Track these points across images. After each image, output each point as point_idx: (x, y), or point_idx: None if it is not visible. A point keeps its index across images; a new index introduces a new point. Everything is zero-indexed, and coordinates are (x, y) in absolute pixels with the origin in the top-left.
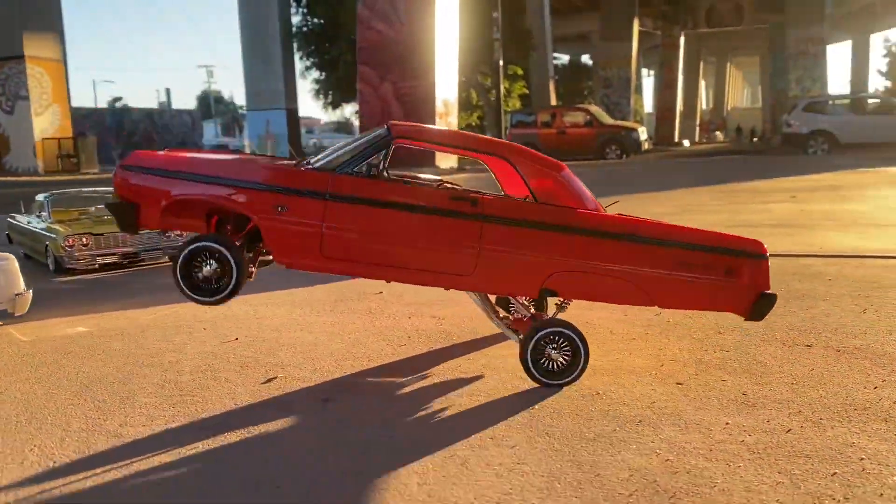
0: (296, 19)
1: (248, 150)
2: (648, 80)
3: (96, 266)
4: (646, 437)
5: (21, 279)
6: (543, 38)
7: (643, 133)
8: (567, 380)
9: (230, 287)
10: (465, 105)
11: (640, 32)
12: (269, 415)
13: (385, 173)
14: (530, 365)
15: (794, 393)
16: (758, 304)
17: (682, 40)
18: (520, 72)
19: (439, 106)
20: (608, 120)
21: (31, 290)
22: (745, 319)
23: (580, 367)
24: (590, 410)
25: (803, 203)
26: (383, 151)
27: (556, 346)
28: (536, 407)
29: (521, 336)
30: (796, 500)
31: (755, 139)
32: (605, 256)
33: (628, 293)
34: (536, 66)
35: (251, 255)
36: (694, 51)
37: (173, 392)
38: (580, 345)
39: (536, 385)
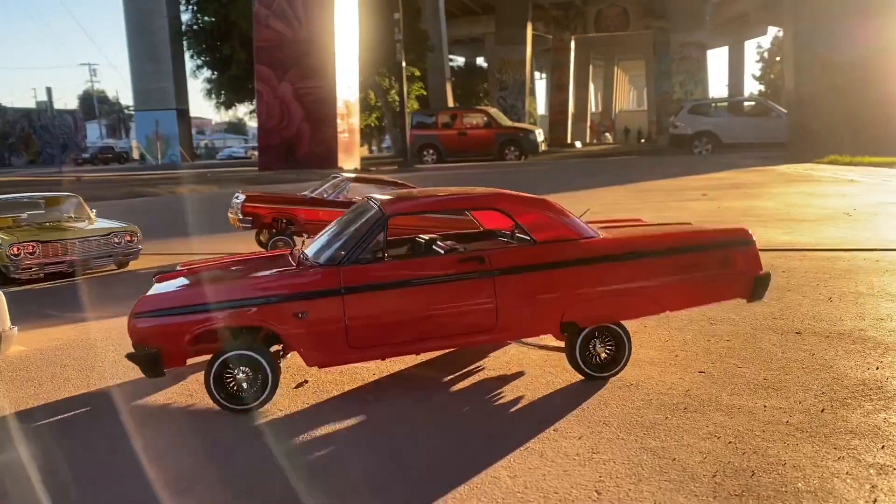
0: (185, 17)
1: (136, 153)
2: (540, 83)
3: (42, 276)
4: (699, 423)
5: (7, 315)
6: (440, 40)
7: (540, 135)
8: (615, 371)
9: (269, 388)
10: (363, 106)
11: (533, 36)
12: (319, 418)
13: (385, 255)
14: (580, 362)
15: (808, 376)
16: (756, 286)
17: (572, 44)
18: (417, 73)
19: (340, 107)
20: (507, 122)
21: (15, 328)
22: (748, 301)
23: (626, 358)
24: (633, 400)
25: (717, 201)
26: (381, 234)
27: (601, 340)
28: (585, 400)
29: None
30: (862, 472)
31: (642, 140)
32: (614, 279)
33: (641, 306)
34: (433, 68)
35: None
36: (584, 55)
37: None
38: (623, 336)
39: (575, 380)
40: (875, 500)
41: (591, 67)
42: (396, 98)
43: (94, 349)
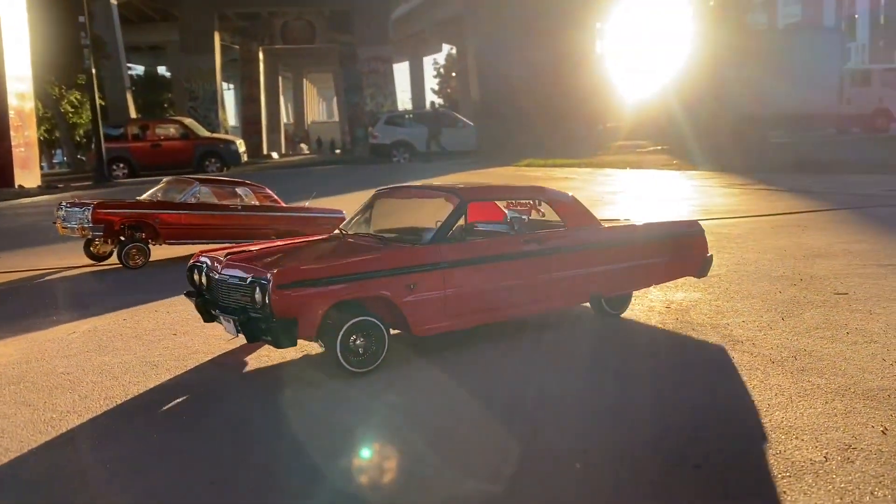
0: None
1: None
2: (229, 94)
3: None
4: None
5: None
6: (116, 47)
7: (241, 145)
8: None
9: (384, 350)
10: None
11: (221, 46)
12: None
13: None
14: (603, 303)
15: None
16: (704, 265)
17: (260, 55)
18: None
19: (13, 117)
20: (205, 133)
21: None
22: (697, 277)
23: (629, 298)
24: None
25: None
26: (463, 217)
27: None
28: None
29: None
30: None
31: (337, 151)
32: (626, 258)
33: (640, 280)
34: (111, 77)
35: None
36: (273, 66)
37: None
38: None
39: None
40: None
41: (280, 79)
42: (69, 108)
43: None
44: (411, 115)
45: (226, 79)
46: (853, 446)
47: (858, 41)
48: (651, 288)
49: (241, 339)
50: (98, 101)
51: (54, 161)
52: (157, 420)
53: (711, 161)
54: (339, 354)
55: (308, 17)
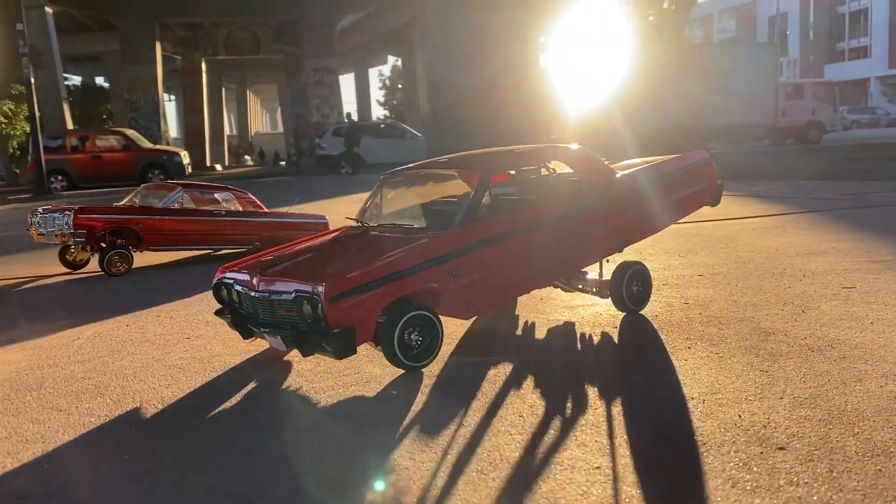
0: None
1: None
2: (171, 105)
3: None
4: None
5: None
6: (51, 56)
7: (186, 157)
8: (646, 305)
9: (440, 342)
10: None
11: (162, 56)
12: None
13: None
14: (626, 298)
15: None
16: (716, 193)
17: (203, 66)
18: (24, 91)
19: None
20: (147, 144)
21: None
22: (711, 206)
23: (650, 294)
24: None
25: None
26: (486, 192)
27: (638, 280)
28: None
29: (607, 282)
30: None
31: (282, 163)
32: (648, 200)
33: (665, 218)
34: (46, 87)
35: None
36: (216, 77)
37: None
38: (649, 274)
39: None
40: None
41: (223, 90)
42: (2, 119)
43: None
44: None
45: (167, 89)
46: None
47: (790, 56)
48: (662, 286)
49: (262, 342)
50: (36, 112)
51: None
52: (204, 420)
53: None
54: (397, 352)
55: (252, 27)
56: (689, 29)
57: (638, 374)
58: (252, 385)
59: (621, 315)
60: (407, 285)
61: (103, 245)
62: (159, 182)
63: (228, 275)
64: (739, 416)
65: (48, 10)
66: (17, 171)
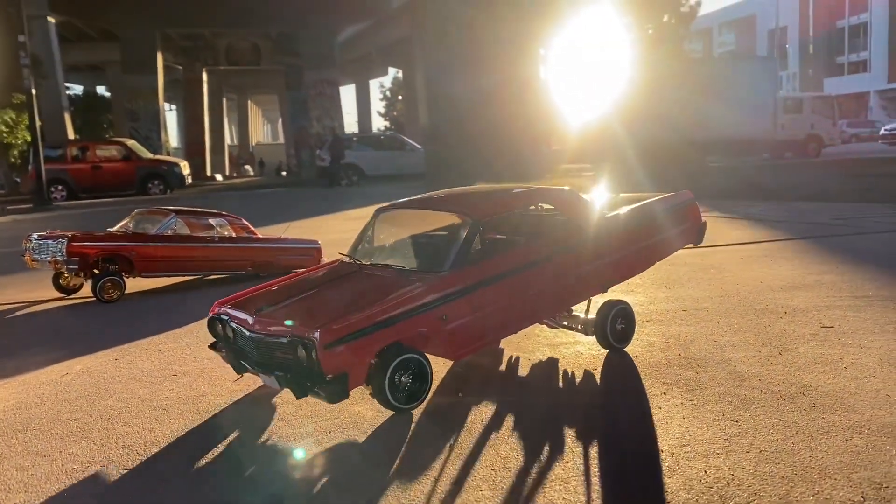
0: None
1: None
2: (171, 115)
3: None
4: None
5: None
6: (53, 66)
7: (186, 167)
8: (629, 343)
9: (430, 382)
10: None
11: (164, 66)
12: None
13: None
14: (609, 336)
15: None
16: (700, 232)
17: (204, 76)
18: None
19: None
20: (148, 154)
21: None
22: (695, 244)
23: (633, 331)
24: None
25: None
26: (477, 237)
27: (622, 318)
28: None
29: (592, 320)
30: None
31: (283, 173)
32: (634, 240)
33: (650, 258)
34: (47, 96)
35: None
36: (217, 87)
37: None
38: (632, 313)
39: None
40: None
41: (224, 100)
42: (3, 128)
43: None
44: (358, 139)
45: (168, 99)
46: (885, 485)
47: (790, 70)
48: (646, 322)
49: (250, 380)
50: (37, 122)
51: None
52: (186, 469)
53: (657, 186)
54: (388, 395)
55: (254, 38)
56: (689, 42)
57: (613, 421)
58: (235, 432)
59: (604, 353)
60: (399, 331)
61: (96, 271)
62: (153, 207)
63: (224, 310)
64: (705, 472)
65: (50, 20)
66: (18, 180)
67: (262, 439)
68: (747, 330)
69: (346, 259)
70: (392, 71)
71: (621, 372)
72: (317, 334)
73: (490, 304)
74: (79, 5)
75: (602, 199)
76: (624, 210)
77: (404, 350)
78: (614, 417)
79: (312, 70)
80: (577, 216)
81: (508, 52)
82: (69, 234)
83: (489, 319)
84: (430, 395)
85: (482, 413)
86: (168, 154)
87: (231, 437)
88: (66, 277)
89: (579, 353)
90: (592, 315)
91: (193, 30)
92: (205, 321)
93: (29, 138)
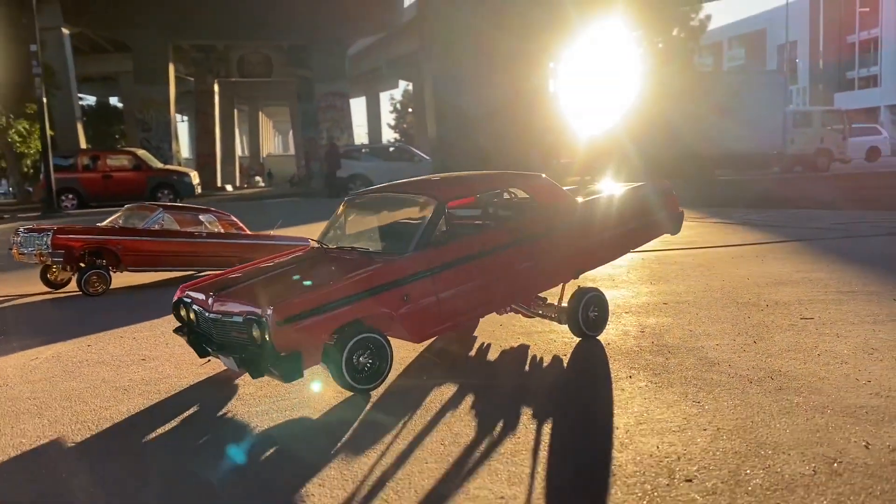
0: None
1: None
2: (183, 125)
3: None
4: None
5: None
6: (67, 77)
7: (196, 177)
8: (601, 331)
9: (387, 372)
10: None
11: (175, 78)
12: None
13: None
14: (581, 324)
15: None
16: (677, 222)
17: (216, 87)
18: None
19: None
20: (158, 164)
21: None
22: (672, 234)
23: (606, 319)
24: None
25: None
26: (442, 218)
27: (595, 306)
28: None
29: (565, 307)
30: None
31: (291, 184)
32: (607, 227)
33: (623, 246)
34: (61, 107)
35: None
36: (228, 98)
37: None
38: (605, 301)
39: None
40: None
41: (235, 111)
42: (17, 138)
43: None
44: (368, 150)
45: (180, 110)
46: (838, 460)
47: (799, 84)
48: (624, 314)
49: (217, 363)
50: (48, 132)
51: None
52: (135, 443)
53: None
54: (345, 374)
55: (266, 50)
56: (699, 56)
57: (573, 402)
58: (193, 409)
59: (577, 341)
60: (357, 310)
61: (82, 265)
62: (142, 203)
63: (188, 293)
64: (657, 448)
65: (65, 31)
66: (31, 189)
67: (214, 417)
68: (725, 321)
69: (316, 245)
70: (402, 83)
71: (590, 357)
72: (270, 310)
73: (455, 285)
74: (92, 17)
75: (577, 189)
76: (598, 196)
77: (363, 329)
78: (575, 398)
79: (323, 82)
80: (549, 202)
81: (517, 66)
82: (55, 227)
83: (454, 301)
84: (394, 378)
85: (443, 394)
86: (179, 164)
87: (185, 415)
88: (54, 272)
89: (552, 340)
90: (565, 304)
91: (205, 41)
92: None
93: (40, 147)
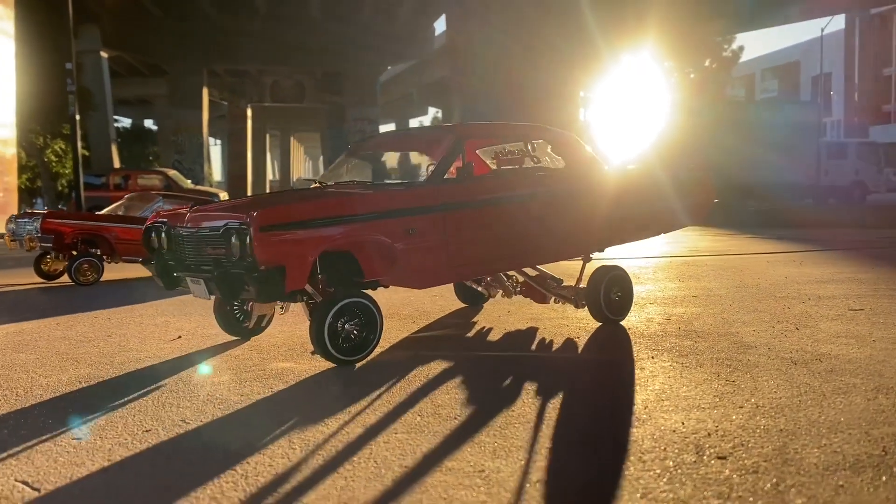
0: None
1: None
2: (216, 149)
3: None
4: None
5: None
6: (104, 99)
7: (224, 197)
8: (625, 316)
9: (375, 343)
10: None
11: (209, 101)
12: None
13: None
14: (603, 307)
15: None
16: (709, 209)
17: (249, 112)
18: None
19: None
20: (188, 185)
21: None
22: (702, 224)
23: (631, 302)
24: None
25: None
26: (461, 154)
27: (618, 287)
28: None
29: (583, 290)
30: None
31: None
32: (635, 203)
33: (648, 226)
34: (97, 128)
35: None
36: (260, 123)
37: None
38: (630, 280)
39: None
40: None
41: (267, 136)
42: (53, 157)
43: None
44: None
45: (213, 134)
46: None
47: (834, 116)
48: (649, 304)
49: (185, 340)
50: (82, 151)
51: (35, 209)
52: (61, 410)
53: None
54: (326, 341)
55: (298, 77)
56: (731, 88)
57: (584, 378)
58: (146, 381)
59: (593, 324)
60: (353, 232)
61: (74, 252)
62: (144, 192)
63: (161, 218)
64: (682, 423)
65: (103, 55)
66: (64, 207)
67: (167, 385)
68: (762, 311)
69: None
70: (431, 110)
71: (609, 338)
72: (253, 215)
73: (466, 229)
74: (130, 41)
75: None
76: (628, 168)
77: (357, 293)
78: (586, 374)
79: (354, 108)
80: (574, 159)
81: (547, 97)
82: (46, 212)
83: (462, 247)
84: (381, 352)
85: (432, 367)
86: (211, 186)
87: (136, 384)
88: (48, 262)
89: (564, 325)
90: (584, 285)
91: (239, 66)
92: (174, 295)
93: None
